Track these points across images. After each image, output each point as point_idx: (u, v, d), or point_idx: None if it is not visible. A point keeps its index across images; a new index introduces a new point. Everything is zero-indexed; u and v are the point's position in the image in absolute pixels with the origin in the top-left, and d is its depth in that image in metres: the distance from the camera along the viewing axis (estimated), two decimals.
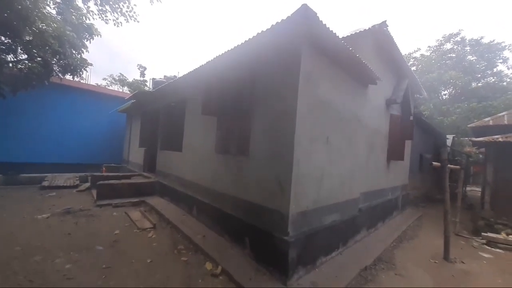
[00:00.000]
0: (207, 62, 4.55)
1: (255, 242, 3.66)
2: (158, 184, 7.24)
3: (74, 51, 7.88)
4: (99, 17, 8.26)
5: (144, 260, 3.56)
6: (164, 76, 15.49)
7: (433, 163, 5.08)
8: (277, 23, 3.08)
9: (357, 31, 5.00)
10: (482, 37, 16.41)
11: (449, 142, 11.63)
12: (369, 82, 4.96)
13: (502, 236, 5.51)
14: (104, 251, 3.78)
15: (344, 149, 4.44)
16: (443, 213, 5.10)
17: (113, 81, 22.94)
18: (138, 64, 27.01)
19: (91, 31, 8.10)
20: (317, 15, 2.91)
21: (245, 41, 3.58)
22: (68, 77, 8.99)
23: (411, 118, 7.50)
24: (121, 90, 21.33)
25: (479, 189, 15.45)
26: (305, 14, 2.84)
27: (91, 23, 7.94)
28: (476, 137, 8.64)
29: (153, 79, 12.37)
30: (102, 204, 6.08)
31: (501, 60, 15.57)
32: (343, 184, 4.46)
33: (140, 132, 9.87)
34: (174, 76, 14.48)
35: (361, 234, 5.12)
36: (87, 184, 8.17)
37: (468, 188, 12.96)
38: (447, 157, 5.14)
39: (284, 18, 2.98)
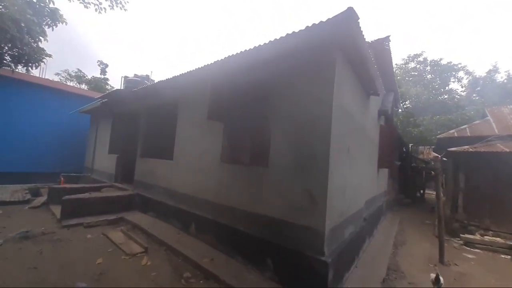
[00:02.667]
0: (215, 62, 4.10)
1: (279, 264, 3.28)
2: (138, 197, 6.29)
3: (31, 39, 6.57)
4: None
5: None
6: (135, 74, 14.08)
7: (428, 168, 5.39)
8: (314, 24, 2.87)
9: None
10: (441, 59, 19.42)
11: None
12: (373, 93, 5.08)
13: (478, 237, 6.10)
14: None
15: (358, 159, 4.40)
16: (437, 218, 5.43)
17: (68, 77, 20.08)
18: (98, 60, 24.40)
19: (55, 17, 6.86)
20: (359, 20, 2.78)
21: (269, 41, 3.29)
22: (21, 69, 7.47)
23: (395, 128, 8.03)
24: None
25: (431, 192, 17.51)
26: (349, 18, 2.68)
27: (55, 8, 6.71)
28: (441, 147, 9.69)
29: (126, 77, 11.08)
30: (70, 225, 4.96)
31: (453, 79, 18.57)
32: (356, 194, 4.40)
33: (110, 137, 8.61)
34: (147, 75, 13.26)
35: (366, 243, 5.12)
36: (42, 199, 6.70)
37: (422, 192, 14.49)
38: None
39: (325, 19, 2.79)
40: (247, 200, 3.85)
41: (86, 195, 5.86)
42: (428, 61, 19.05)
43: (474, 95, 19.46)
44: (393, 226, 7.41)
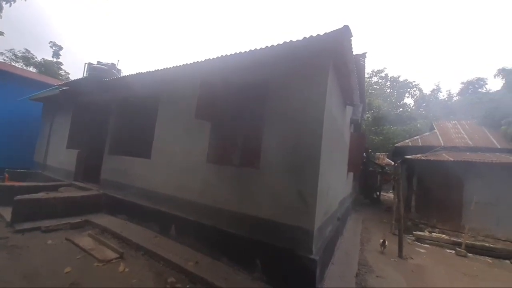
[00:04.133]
0: (206, 60, 4.02)
1: (267, 264, 3.35)
2: (106, 198, 5.74)
3: None
4: None
5: None
6: (98, 62, 12.82)
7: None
8: (311, 36, 3.06)
9: None
10: (399, 76, 22.26)
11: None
12: (349, 103, 5.52)
13: (427, 233, 7.05)
14: None
15: (336, 162, 4.73)
16: (395, 218, 6.12)
17: (13, 57, 17.26)
18: (50, 42, 21.60)
19: None
20: (352, 37, 3.03)
21: (266, 46, 3.38)
22: None
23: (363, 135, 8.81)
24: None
25: (386, 194, 19.56)
26: (345, 35, 2.92)
27: None
28: (397, 154, 10.91)
29: (90, 64, 9.96)
30: (25, 229, 4.30)
31: (407, 95, 21.33)
32: (334, 195, 4.72)
33: (70, 130, 7.68)
34: (113, 63, 12.19)
35: (339, 241, 5.52)
36: None
37: (378, 194, 16.16)
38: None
39: (322, 33, 2.99)
40: (235, 201, 3.84)
41: (42, 194, 5.15)
42: (389, 77, 21.68)
43: (421, 109, 22.55)
44: (358, 224, 8.10)
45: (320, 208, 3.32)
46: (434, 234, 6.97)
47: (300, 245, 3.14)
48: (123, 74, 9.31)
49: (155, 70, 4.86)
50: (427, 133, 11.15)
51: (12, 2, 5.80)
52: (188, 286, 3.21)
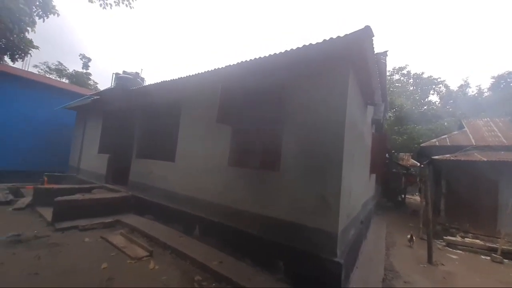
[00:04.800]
0: (226, 67, 4.16)
1: (290, 265, 3.37)
2: (134, 199, 6.09)
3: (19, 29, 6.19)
4: None
5: None
6: (124, 71, 13.64)
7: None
8: (331, 39, 3.06)
9: None
10: (423, 72, 21.10)
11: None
12: (370, 103, 5.39)
13: (459, 239, 6.62)
14: None
15: (358, 164, 4.64)
16: (423, 221, 5.83)
17: (47, 70, 18.89)
18: (80, 54, 23.32)
19: (46, 7, 6.51)
20: (373, 37, 3.00)
21: (285, 51, 3.43)
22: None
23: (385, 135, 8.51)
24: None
25: (411, 197, 18.59)
26: (366, 35, 2.89)
27: None
28: (423, 155, 10.39)
29: (117, 74, 10.67)
30: (64, 228, 4.70)
31: (432, 92, 20.22)
32: (357, 197, 4.63)
33: (101, 135, 8.25)
34: (136, 72, 12.93)
35: (362, 245, 5.38)
36: (26, 200, 6.26)
37: (403, 196, 15.38)
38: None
39: (342, 35, 2.98)
40: (256, 203, 3.91)
41: (78, 196, 5.58)
42: (411, 74, 20.64)
43: (447, 106, 21.19)
44: (381, 228, 7.80)
45: (343, 211, 3.29)
46: (467, 240, 6.53)
47: (324, 248, 3.13)
48: (146, 82, 9.85)
49: (178, 78, 5.10)
50: (455, 132, 10.49)
51: (45, 18, 6.34)
52: (213, 284, 3.32)
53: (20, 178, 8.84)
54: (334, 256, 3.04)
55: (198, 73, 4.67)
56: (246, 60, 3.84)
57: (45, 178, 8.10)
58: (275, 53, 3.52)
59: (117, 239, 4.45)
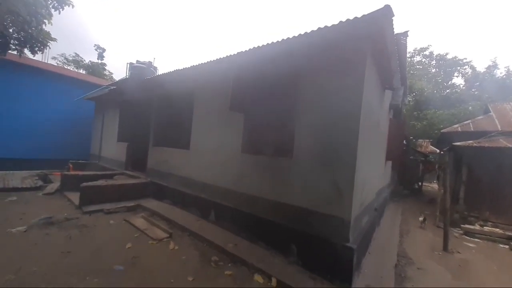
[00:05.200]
0: (238, 54, 4.11)
1: (303, 249, 3.47)
2: (153, 185, 6.39)
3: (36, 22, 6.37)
4: None
5: (184, 278, 3.06)
6: (137, 61, 13.83)
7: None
8: (348, 20, 2.92)
9: None
10: (447, 53, 19.59)
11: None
12: (389, 87, 5.18)
13: (477, 227, 6.45)
14: (127, 271, 3.12)
15: (373, 151, 4.55)
16: (440, 209, 5.70)
17: (65, 61, 19.51)
18: (95, 45, 23.74)
19: None
20: (393, 17, 2.84)
21: (299, 34, 3.32)
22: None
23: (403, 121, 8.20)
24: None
25: (429, 185, 18.06)
26: (385, 16, 2.74)
27: None
28: (444, 141, 9.96)
29: (131, 63, 10.87)
30: (91, 211, 5.07)
31: (457, 74, 18.82)
32: (371, 185, 4.59)
33: (119, 125, 8.58)
34: (149, 62, 13.07)
35: (375, 232, 5.39)
36: (55, 185, 6.75)
37: (420, 184, 14.94)
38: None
39: (359, 16, 2.84)
40: (269, 189, 3.99)
41: (101, 182, 5.94)
42: (434, 55, 19.21)
43: (473, 89, 19.78)
44: (396, 216, 7.73)
45: (356, 198, 3.29)
46: (486, 228, 6.35)
47: (337, 233, 3.18)
48: (159, 71, 9.95)
49: (190, 66, 5.12)
50: (480, 117, 9.88)
51: (60, 9, 6.45)
52: (229, 265, 3.50)
53: (47, 166, 9.47)
54: (346, 242, 3.09)
55: (211, 60, 4.65)
56: (259, 46, 3.77)
57: (71, 165, 8.64)
58: (288, 38, 3.43)
59: (139, 221, 4.74)
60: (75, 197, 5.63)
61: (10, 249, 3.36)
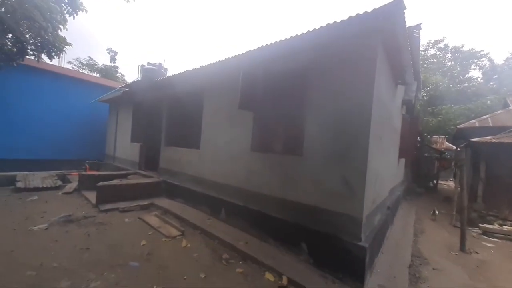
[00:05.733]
0: (246, 52, 4.13)
1: (314, 248, 3.46)
2: (165, 184, 6.55)
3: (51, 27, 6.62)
4: None
5: (196, 275, 3.13)
6: (148, 63, 14.14)
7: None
8: (358, 15, 2.86)
9: None
10: (463, 45, 18.68)
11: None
12: (401, 82, 5.05)
13: (497, 226, 6.19)
14: (142, 267, 3.23)
15: (385, 148, 4.46)
16: (457, 208, 5.52)
17: (80, 65, 20.21)
18: (107, 48, 24.55)
19: (75, 4, 6.84)
20: (405, 10, 2.76)
21: (307, 31, 3.30)
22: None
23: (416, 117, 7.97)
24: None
25: (445, 182, 17.46)
26: (397, 9, 2.67)
27: None
28: (460, 137, 9.60)
29: (142, 65, 11.15)
30: (107, 209, 5.26)
31: (474, 67, 17.93)
32: (383, 183, 4.50)
33: (132, 126, 8.82)
34: (160, 63, 13.33)
35: (389, 230, 5.28)
36: (73, 185, 7.04)
37: (435, 182, 14.45)
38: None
39: (370, 10, 2.78)
40: (279, 187, 4.00)
41: (116, 181, 6.14)
42: (449, 48, 18.33)
43: (491, 83, 18.84)
44: (410, 214, 7.54)
45: (368, 196, 3.25)
46: (505, 227, 6.08)
47: (349, 232, 3.15)
48: (169, 72, 10.14)
49: (199, 67, 5.19)
50: (499, 111, 9.42)
51: (74, 15, 6.67)
52: (240, 262, 3.55)
53: (65, 166, 9.88)
54: (358, 241, 3.06)
55: (219, 60, 4.70)
56: (267, 44, 3.77)
57: (87, 166, 8.98)
58: (297, 35, 3.41)
59: (153, 219, 4.88)
60: (92, 196, 5.85)
61: (32, 246, 3.55)
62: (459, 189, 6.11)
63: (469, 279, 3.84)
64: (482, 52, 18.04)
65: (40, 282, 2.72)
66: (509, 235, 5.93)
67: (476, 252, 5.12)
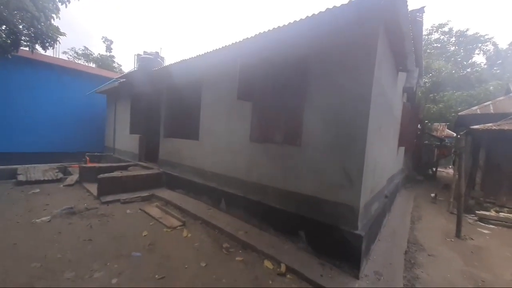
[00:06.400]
0: (244, 40, 4.02)
1: (312, 236, 3.53)
2: (165, 176, 6.59)
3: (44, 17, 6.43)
4: None
5: (197, 264, 3.21)
6: (144, 52, 13.85)
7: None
8: None
9: None
10: (467, 29, 18.00)
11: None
12: (402, 69, 4.95)
13: (493, 213, 6.28)
14: (144, 257, 3.31)
15: (385, 137, 4.44)
16: (454, 195, 5.57)
17: (75, 55, 19.82)
18: (102, 37, 23.90)
19: None
20: None
21: (306, 17, 3.19)
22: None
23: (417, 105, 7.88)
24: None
25: (444, 170, 17.55)
26: None
27: None
28: (461, 124, 9.53)
29: (139, 55, 10.92)
30: (108, 201, 5.33)
31: (478, 52, 17.40)
32: (382, 172, 4.52)
33: (130, 117, 8.77)
34: (156, 52, 13.05)
35: (386, 218, 5.37)
36: (74, 177, 7.10)
37: (434, 170, 14.52)
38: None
39: None
40: (278, 178, 4.02)
41: (117, 173, 6.18)
42: (454, 32, 17.71)
43: (495, 68, 18.46)
44: (408, 202, 7.63)
45: (366, 186, 3.27)
46: (502, 214, 6.17)
47: (346, 221, 3.19)
48: (166, 61, 9.94)
49: (197, 55, 5.07)
50: (501, 97, 9.29)
51: (67, 3, 6.46)
52: (240, 251, 3.63)
53: (66, 159, 9.92)
54: (355, 229, 3.11)
55: (217, 48, 4.59)
56: (265, 31, 3.66)
57: (87, 158, 9.01)
58: (295, 21, 3.30)
59: (154, 210, 4.95)
60: (93, 188, 5.91)
61: (35, 238, 3.62)
62: (457, 176, 6.15)
63: (464, 265, 3.93)
64: (486, 36, 17.55)
65: (45, 273, 2.79)
66: (505, 222, 6.03)
67: (472, 239, 5.22)
